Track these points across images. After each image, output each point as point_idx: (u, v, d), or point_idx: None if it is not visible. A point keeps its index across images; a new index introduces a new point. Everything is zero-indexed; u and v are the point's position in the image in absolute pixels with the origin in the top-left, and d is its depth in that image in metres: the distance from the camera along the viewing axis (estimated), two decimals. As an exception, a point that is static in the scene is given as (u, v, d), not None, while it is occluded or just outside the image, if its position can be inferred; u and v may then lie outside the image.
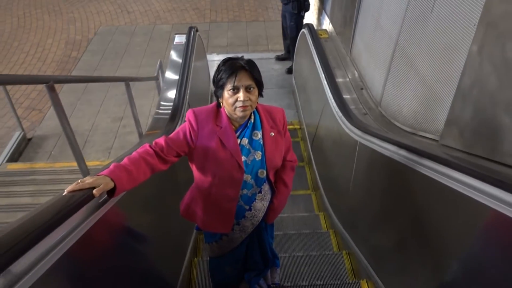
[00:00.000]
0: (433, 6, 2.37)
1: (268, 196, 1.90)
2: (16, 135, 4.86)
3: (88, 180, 1.23)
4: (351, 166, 2.83)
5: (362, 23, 4.05)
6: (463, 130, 1.93)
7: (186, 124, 1.66)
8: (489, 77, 1.69)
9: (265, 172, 1.76)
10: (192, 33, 4.89)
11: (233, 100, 1.56)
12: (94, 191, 1.21)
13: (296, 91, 5.91)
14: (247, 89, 1.56)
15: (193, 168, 1.77)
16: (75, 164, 4.06)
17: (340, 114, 3.18)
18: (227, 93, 1.57)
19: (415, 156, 1.74)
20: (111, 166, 1.36)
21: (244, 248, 2.07)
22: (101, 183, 1.24)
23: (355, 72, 4.15)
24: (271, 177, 1.84)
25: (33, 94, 6.18)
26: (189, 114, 1.66)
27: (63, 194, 1.17)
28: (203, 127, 1.63)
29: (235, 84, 1.53)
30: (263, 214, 1.92)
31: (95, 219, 1.25)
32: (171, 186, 2.52)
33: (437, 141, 2.26)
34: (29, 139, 5.10)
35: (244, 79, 1.54)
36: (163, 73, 4.57)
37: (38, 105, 5.93)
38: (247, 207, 1.84)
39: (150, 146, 1.55)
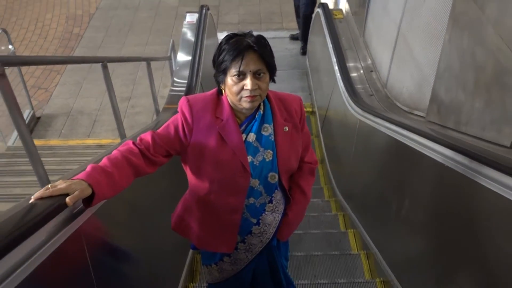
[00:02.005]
0: (425, -3, 3.11)
1: (281, 207, 1.78)
2: (26, 114, 5.71)
3: (61, 185, 1.16)
4: (351, 141, 3.60)
5: (373, 6, 4.78)
6: (439, 107, 2.67)
7: (179, 115, 1.56)
8: (455, 62, 2.43)
9: (277, 176, 1.65)
10: (203, 12, 5.64)
11: (238, 89, 1.46)
12: (67, 199, 1.14)
13: (310, 72, 6.68)
14: (256, 75, 1.44)
15: (187, 171, 1.67)
16: (88, 141, 4.93)
17: (347, 95, 3.94)
18: (230, 80, 1.46)
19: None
20: (88, 168, 1.29)
21: (250, 273, 1.92)
22: (76, 189, 1.17)
23: (366, 54, 4.88)
24: (285, 183, 1.72)
25: (37, 73, 7.04)
26: (182, 103, 1.55)
27: (30, 201, 1.11)
28: (199, 119, 1.53)
29: (241, 69, 1.41)
30: (274, 229, 1.79)
31: (67, 234, 1.19)
32: (162, 193, 2.48)
33: (424, 117, 3.01)
34: (38, 118, 5.95)
35: (252, 63, 1.42)
36: (175, 52, 5.36)
37: (43, 84, 6.80)
38: (255, 221, 1.72)
39: (134, 144, 1.47)
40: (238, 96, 1.48)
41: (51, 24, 8.71)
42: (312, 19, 6.55)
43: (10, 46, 5.05)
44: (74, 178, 1.23)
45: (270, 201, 1.71)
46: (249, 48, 1.43)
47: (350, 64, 4.71)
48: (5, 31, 4.84)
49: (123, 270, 1.80)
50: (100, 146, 4.47)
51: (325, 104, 5.24)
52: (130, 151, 1.44)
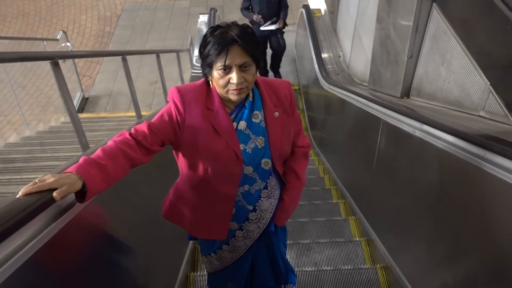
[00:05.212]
0: (368, 3, 4.16)
1: (277, 192, 1.69)
2: (78, 95, 6.79)
3: (49, 179, 1.07)
4: (322, 106, 4.69)
5: (341, 7, 5.81)
6: (373, 78, 3.74)
7: (171, 105, 1.46)
8: (378, 49, 3.49)
9: (270, 162, 1.56)
10: (212, 13, 6.68)
11: (224, 82, 1.37)
12: (55, 193, 1.04)
13: (296, 59, 7.73)
14: (242, 68, 1.36)
15: (179, 160, 1.58)
16: (129, 113, 6.01)
17: (320, 74, 5.00)
18: (216, 73, 1.37)
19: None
20: (80, 160, 1.19)
21: (249, 259, 1.83)
22: (64, 183, 1.07)
23: (337, 43, 5.93)
24: (279, 169, 1.63)
25: (81, 64, 8.09)
26: (173, 94, 1.45)
27: (17, 196, 1.03)
28: (191, 110, 1.44)
29: (226, 63, 1.33)
30: (271, 214, 1.71)
31: (55, 230, 1.09)
32: (159, 181, 2.37)
33: (367, 86, 4.08)
34: (87, 98, 7.03)
35: (237, 56, 1.34)
36: (192, 45, 6.41)
37: (87, 72, 7.86)
38: (251, 208, 1.64)
39: (130, 134, 1.38)
40: (225, 89, 1.39)
41: (86, 24, 9.71)
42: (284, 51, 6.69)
43: (68, 44, 6.08)
44: (65, 171, 1.14)
45: (265, 187, 1.63)
46: (233, 42, 1.33)
47: (324, 51, 5.78)
48: (64, 32, 5.87)
49: (120, 260, 1.70)
50: (141, 116, 5.54)
51: (306, 82, 6.32)
52: (125, 142, 1.34)
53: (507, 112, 1.74)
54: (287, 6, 6.19)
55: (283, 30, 6.31)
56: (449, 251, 1.73)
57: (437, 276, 1.82)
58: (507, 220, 1.31)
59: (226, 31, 1.35)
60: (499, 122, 1.79)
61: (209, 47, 1.35)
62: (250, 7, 6.09)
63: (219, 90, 1.42)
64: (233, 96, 1.40)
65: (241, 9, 6.17)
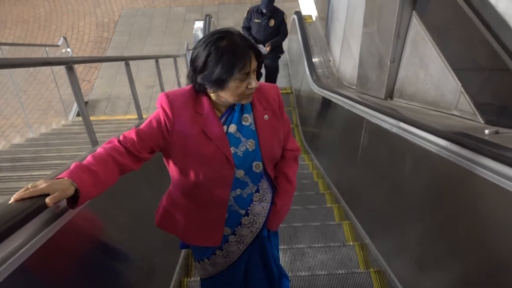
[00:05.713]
0: (355, 10, 4.33)
1: (268, 196, 1.67)
2: (78, 99, 6.92)
3: (42, 185, 1.06)
4: (313, 107, 4.85)
5: (331, 14, 5.99)
6: (360, 81, 3.91)
7: (160, 111, 1.44)
8: (364, 53, 3.66)
9: (261, 165, 1.55)
10: (207, 19, 6.85)
11: (243, 89, 1.36)
12: (47, 199, 1.03)
13: (289, 63, 7.90)
14: (254, 72, 1.39)
15: (170, 166, 1.55)
16: (128, 116, 6.13)
17: (310, 78, 5.17)
18: (234, 83, 1.34)
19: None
20: (72, 166, 1.18)
21: (243, 264, 1.81)
22: (57, 189, 1.05)
23: (327, 48, 6.11)
24: (270, 172, 1.62)
25: (80, 69, 8.21)
26: (161, 99, 1.43)
27: (9, 202, 1.01)
28: (180, 115, 1.42)
29: (250, 69, 1.34)
30: (263, 218, 1.69)
31: (48, 236, 1.08)
32: (150, 187, 2.33)
33: (355, 89, 4.25)
34: (86, 102, 7.15)
35: (253, 62, 1.35)
36: (188, 51, 6.55)
37: (86, 77, 7.98)
38: (243, 212, 1.62)
39: (118, 142, 1.37)
40: (241, 95, 1.38)
41: (84, 30, 9.82)
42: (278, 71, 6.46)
43: (68, 49, 6.21)
44: (57, 177, 1.13)
45: (257, 191, 1.61)
46: (249, 49, 1.34)
47: (315, 56, 5.95)
48: (65, 38, 6.00)
49: (113, 265, 1.67)
50: (142, 117, 5.68)
51: (298, 85, 6.49)
52: (114, 148, 1.33)
53: (475, 110, 1.91)
54: (285, 34, 5.93)
55: (280, 54, 6.10)
56: (441, 254, 1.72)
57: (430, 280, 1.83)
58: (494, 219, 1.33)
59: (235, 39, 1.33)
60: (469, 119, 1.96)
61: (223, 59, 1.29)
62: (250, 27, 5.88)
63: (232, 99, 1.39)
64: (246, 100, 1.42)
65: (242, 28, 5.96)
